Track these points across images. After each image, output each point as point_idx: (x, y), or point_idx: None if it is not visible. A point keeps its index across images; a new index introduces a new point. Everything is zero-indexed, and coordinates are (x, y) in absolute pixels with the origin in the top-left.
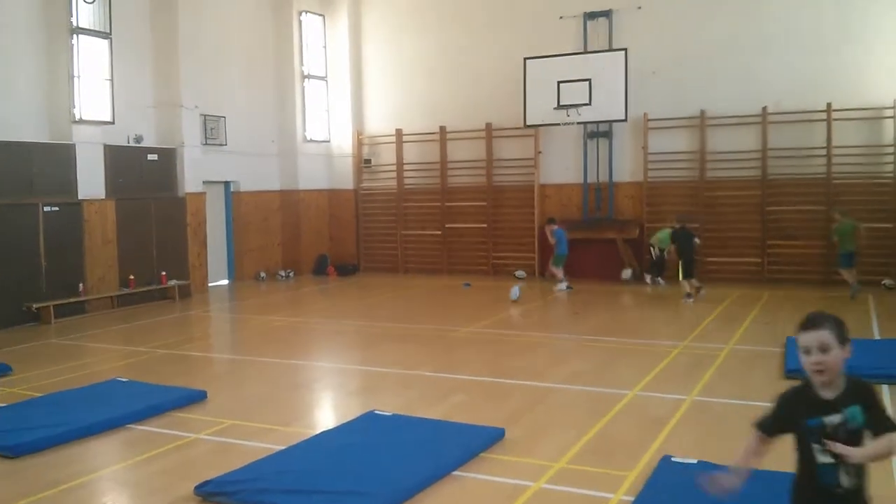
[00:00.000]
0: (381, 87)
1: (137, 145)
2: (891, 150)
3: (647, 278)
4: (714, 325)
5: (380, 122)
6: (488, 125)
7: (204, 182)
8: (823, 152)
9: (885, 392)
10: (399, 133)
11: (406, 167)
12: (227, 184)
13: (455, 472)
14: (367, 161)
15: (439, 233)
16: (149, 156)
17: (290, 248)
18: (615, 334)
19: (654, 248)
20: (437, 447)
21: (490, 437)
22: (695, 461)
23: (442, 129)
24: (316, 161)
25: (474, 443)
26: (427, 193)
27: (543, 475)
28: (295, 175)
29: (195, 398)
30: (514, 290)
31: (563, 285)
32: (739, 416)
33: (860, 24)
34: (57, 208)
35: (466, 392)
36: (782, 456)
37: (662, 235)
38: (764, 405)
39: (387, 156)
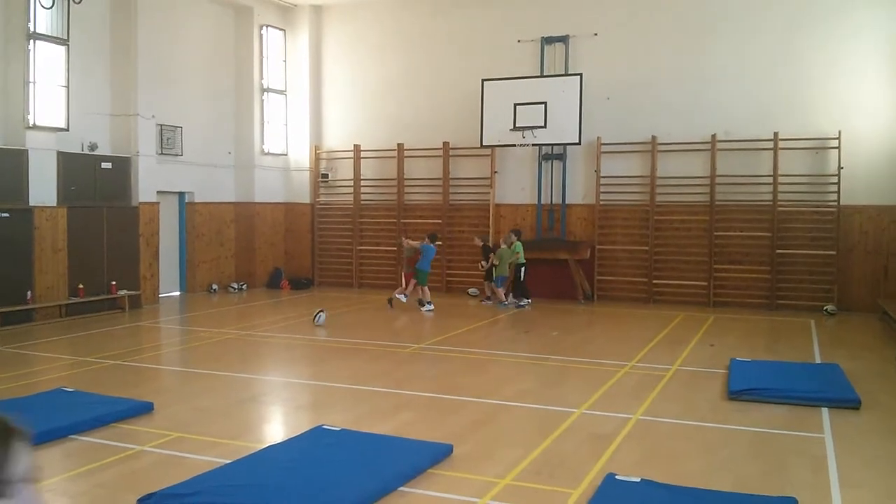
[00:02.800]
0: (341, 103)
1: (91, 153)
2: (834, 179)
3: (513, 302)
4: (660, 347)
5: (338, 138)
6: (446, 144)
7: (158, 192)
8: (770, 180)
9: (824, 415)
10: (357, 149)
11: (363, 183)
12: (181, 194)
13: (402, 488)
14: (325, 176)
15: (394, 249)
16: (103, 164)
17: (243, 261)
18: (563, 353)
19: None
20: (385, 463)
21: (438, 454)
22: (638, 479)
23: (400, 146)
24: (273, 174)
25: (422, 459)
26: (384, 209)
27: (489, 492)
28: (251, 187)
29: (141, 410)
30: (320, 317)
31: (429, 307)
32: (683, 435)
33: (808, 56)
34: (7, 214)
35: (416, 408)
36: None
37: (517, 249)
38: (707, 426)
39: (344, 171)
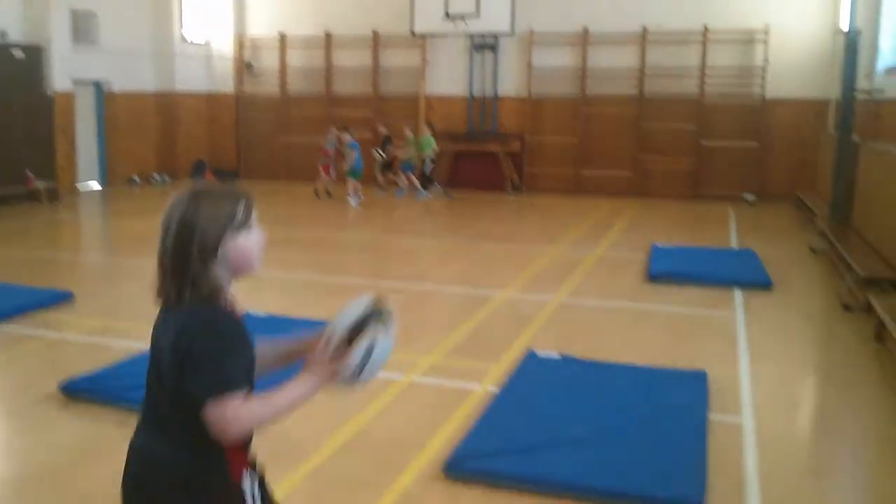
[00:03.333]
0: None
1: (1, 41)
2: (760, 73)
3: (423, 192)
4: (585, 234)
5: (262, 26)
6: (375, 33)
7: (74, 81)
8: (697, 73)
9: (737, 296)
10: (282, 37)
11: (290, 73)
12: (98, 84)
13: None
14: (249, 65)
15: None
16: (14, 52)
17: (165, 153)
18: (492, 240)
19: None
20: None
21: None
22: (557, 355)
23: (328, 35)
24: (194, 63)
25: None
26: (312, 100)
27: (413, 369)
28: (171, 77)
29: (61, 299)
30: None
31: (355, 200)
32: (603, 315)
33: None
34: None
35: (347, 295)
36: None
37: (427, 140)
38: (626, 306)
39: (270, 60)
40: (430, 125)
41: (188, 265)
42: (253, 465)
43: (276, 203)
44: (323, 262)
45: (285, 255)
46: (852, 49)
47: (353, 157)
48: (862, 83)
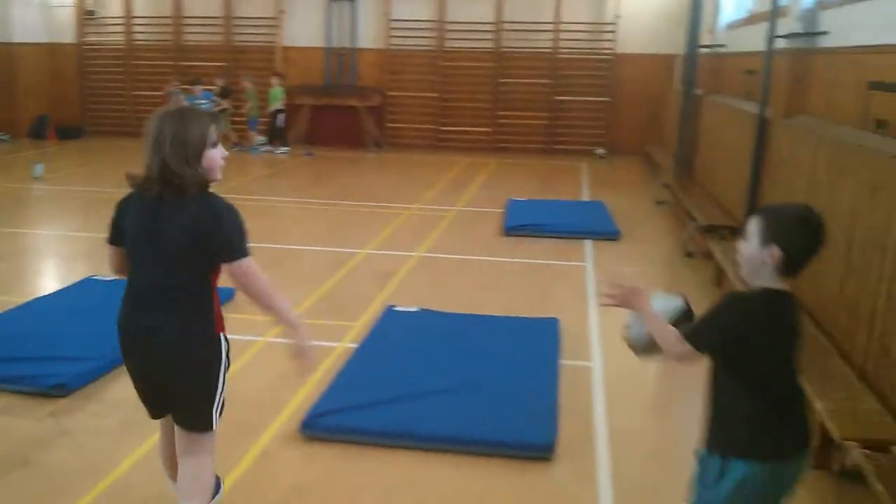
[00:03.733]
0: None
1: None
2: (612, 27)
3: (271, 148)
4: (445, 190)
5: None
6: None
7: None
8: (552, 27)
9: (587, 246)
10: None
11: (135, 21)
12: None
13: None
14: (90, 12)
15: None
16: None
17: (3, 108)
18: (352, 198)
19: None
20: None
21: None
22: (416, 309)
23: None
24: (32, 11)
25: None
26: (160, 51)
27: (270, 330)
28: (7, 27)
29: None
30: (38, 168)
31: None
32: (461, 269)
33: None
34: None
35: None
36: None
37: (274, 93)
38: (483, 259)
39: (113, 7)
40: (278, 76)
41: (184, 170)
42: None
43: (124, 161)
44: None
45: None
46: (696, 5)
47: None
48: (705, 38)
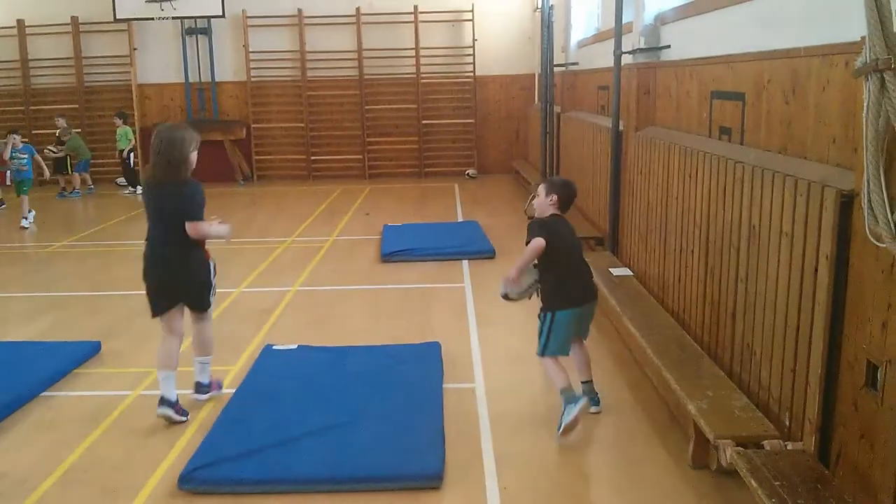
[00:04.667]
0: None
1: None
2: (470, 51)
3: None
4: (319, 220)
5: None
6: (74, 18)
7: None
8: (412, 53)
9: (465, 266)
10: None
11: None
12: None
13: (44, 393)
14: None
15: (25, 140)
16: None
17: None
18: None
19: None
20: (23, 369)
21: (84, 352)
22: (294, 346)
23: (20, 22)
24: None
25: (65, 360)
26: (8, 97)
27: (142, 383)
28: None
29: None
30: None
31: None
32: (340, 300)
33: None
34: None
35: (61, 309)
36: None
37: (124, 132)
38: (362, 288)
39: None
40: (122, 115)
41: (180, 163)
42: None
43: None
44: (34, 275)
45: None
46: (548, 25)
47: (20, 163)
48: (559, 57)
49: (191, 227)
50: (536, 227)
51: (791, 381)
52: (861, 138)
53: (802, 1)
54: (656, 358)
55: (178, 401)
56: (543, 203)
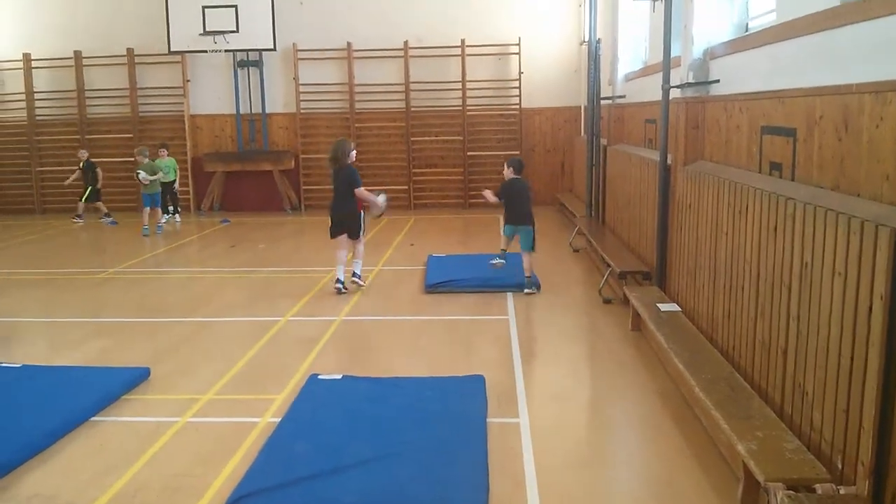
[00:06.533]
0: (7, 6)
1: None
2: (516, 84)
3: (166, 218)
4: (365, 250)
5: (4, 47)
6: (130, 50)
7: None
8: (459, 85)
9: (509, 299)
10: (27, 58)
11: (38, 96)
12: None
13: (94, 418)
14: None
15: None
16: None
17: None
18: (270, 264)
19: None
20: (72, 394)
21: (133, 378)
22: (339, 376)
23: (77, 53)
24: None
25: (115, 385)
26: (64, 125)
27: (189, 409)
28: None
29: None
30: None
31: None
32: (384, 330)
33: None
34: None
35: (111, 335)
36: None
37: (169, 163)
38: (406, 319)
39: (13, 84)
40: (165, 147)
41: (345, 156)
42: (364, 209)
43: (29, 240)
44: (86, 301)
45: (41, 295)
46: (595, 59)
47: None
48: (606, 90)
49: (357, 191)
50: (501, 184)
51: (844, 423)
52: None
53: (853, 36)
54: (704, 396)
55: (343, 281)
56: (507, 173)
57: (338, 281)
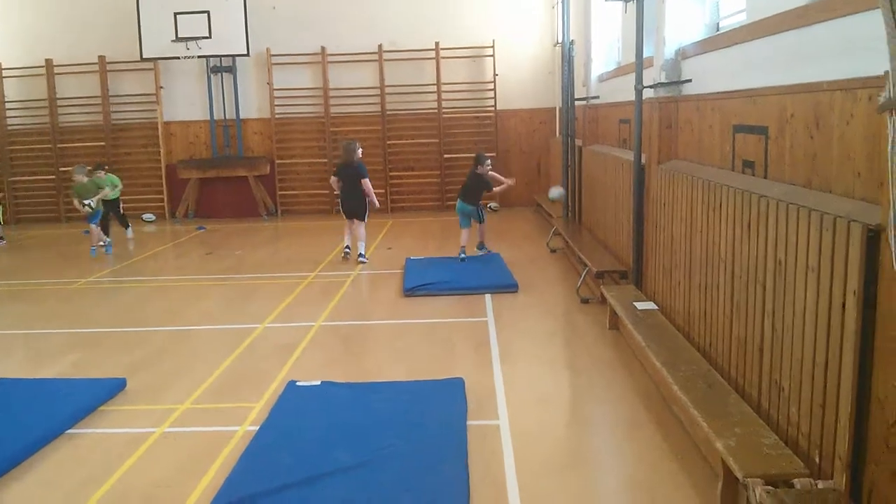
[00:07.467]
0: None
1: None
2: (491, 86)
3: (108, 240)
4: (342, 254)
5: None
6: (101, 58)
7: None
8: (434, 88)
9: (487, 301)
10: None
11: (8, 106)
12: None
13: (71, 430)
14: None
15: (53, 177)
16: None
17: None
18: (247, 271)
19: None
20: (49, 406)
21: (110, 389)
22: (318, 382)
23: (48, 62)
24: None
25: (91, 397)
26: (36, 135)
27: (167, 419)
28: None
29: None
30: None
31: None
32: (362, 335)
33: None
34: None
35: (86, 346)
36: None
37: (112, 180)
38: (384, 323)
39: None
40: (100, 165)
41: (353, 154)
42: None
43: (2, 251)
44: (61, 312)
45: (15, 308)
46: (568, 60)
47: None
48: (580, 91)
49: (363, 182)
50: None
51: (821, 418)
52: (886, 173)
53: (824, 35)
54: (683, 394)
55: (350, 247)
56: (483, 169)
57: (346, 247)
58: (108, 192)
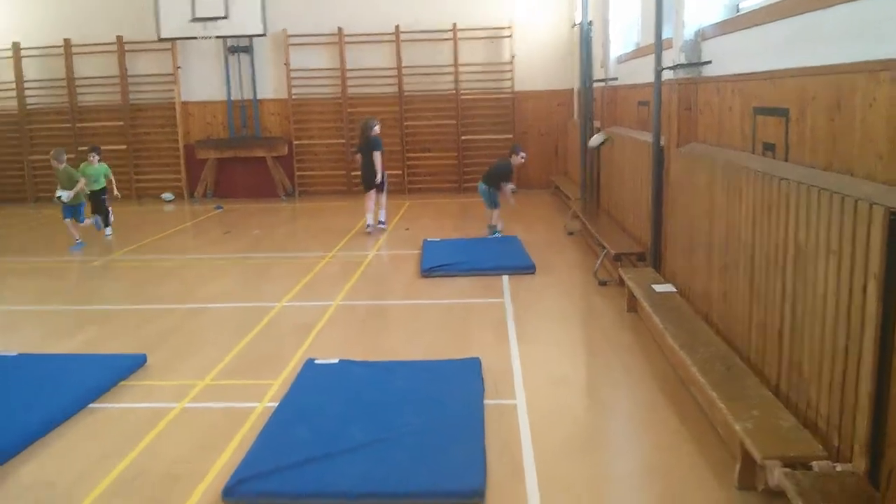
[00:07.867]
0: None
1: None
2: (509, 67)
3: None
4: (360, 235)
5: None
6: (119, 38)
7: None
8: (451, 69)
9: (504, 282)
10: (16, 47)
11: (27, 85)
12: None
13: (91, 405)
14: None
15: (73, 156)
16: None
17: None
18: (265, 250)
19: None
20: (69, 381)
21: (130, 365)
22: (336, 361)
23: (67, 41)
24: None
25: (111, 372)
26: (55, 114)
27: (187, 395)
28: None
29: None
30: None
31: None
32: (379, 315)
33: None
34: None
35: (104, 322)
36: None
37: (99, 169)
38: (401, 303)
39: (4, 73)
40: (95, 149)
41: (370, 130)
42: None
43: (19, 229)
44: (80, 289)
45: (34, 285)
46: (587, 41)
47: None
48: (598, 72)
49: (374, 155)
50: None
51: (840, 400)
52: None
53: (846, 16)
54: (701, 376)
55: (372, 224)
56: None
57: (367, 224)
58: (84, 187)
